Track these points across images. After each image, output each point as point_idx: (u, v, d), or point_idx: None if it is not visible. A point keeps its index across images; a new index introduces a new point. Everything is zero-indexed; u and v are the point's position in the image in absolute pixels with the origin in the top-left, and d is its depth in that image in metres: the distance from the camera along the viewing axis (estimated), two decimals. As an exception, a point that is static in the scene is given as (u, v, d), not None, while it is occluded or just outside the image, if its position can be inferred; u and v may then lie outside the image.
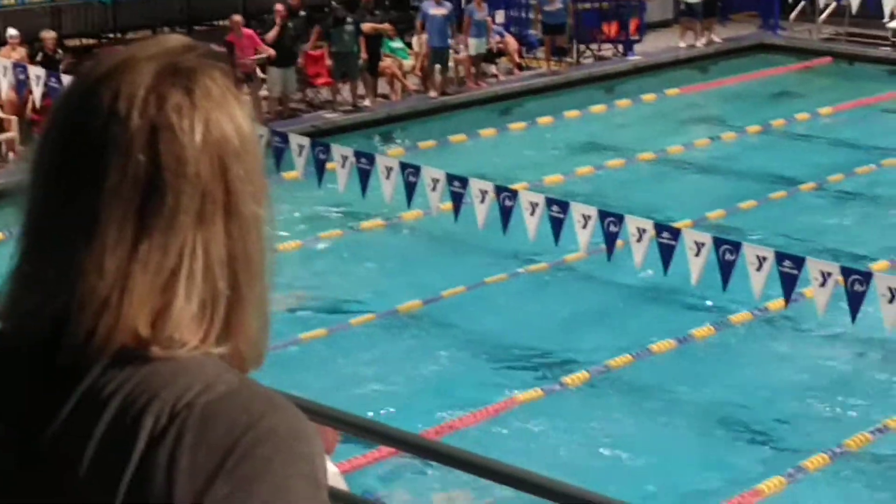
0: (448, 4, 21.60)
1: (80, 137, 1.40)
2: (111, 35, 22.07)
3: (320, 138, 16.18)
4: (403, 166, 13.84)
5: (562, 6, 22.98)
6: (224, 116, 1.41)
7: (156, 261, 1.36)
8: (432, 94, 21.34)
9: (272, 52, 19.82)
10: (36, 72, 15.49)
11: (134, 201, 1.36)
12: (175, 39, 1.48)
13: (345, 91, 20.75)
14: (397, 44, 21.78)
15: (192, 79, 1.41)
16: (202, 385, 1.34)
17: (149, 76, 1.40)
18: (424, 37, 21.64)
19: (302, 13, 20.71)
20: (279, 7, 20.41)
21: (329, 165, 14.36)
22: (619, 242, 12.31)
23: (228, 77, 1.46)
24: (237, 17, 20.11)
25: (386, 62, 21.16)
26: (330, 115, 20.31)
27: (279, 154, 14.74)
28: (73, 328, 1.35)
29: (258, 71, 19.81)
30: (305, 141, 14.62)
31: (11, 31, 18.64)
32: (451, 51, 21.63)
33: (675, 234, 11.97)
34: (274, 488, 1.31)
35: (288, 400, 1.37)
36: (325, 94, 20.96)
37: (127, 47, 1.46)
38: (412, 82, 21.70)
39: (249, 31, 19.86)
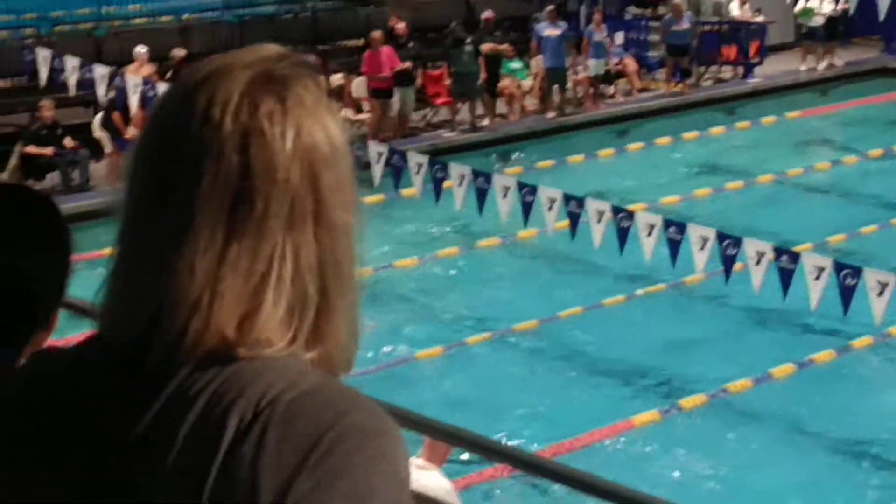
0: (563, 25, 21.64)
1: (175, 142, 1.42)
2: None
3: (438, 157, 16.31)
4: (520, 185, 13.89)
5: (688, 26, 22.88)
6: (316, 125, 1.43)
7: (245, 265, 1.38)
8: (550, 114, 21.38)
9: (409, 64, 20.12)
10: (165, 89, 15.87)
11: (225, 205, 1.38)
12: (270, 48, 1.49)
13: (463, 111, 20.88)
14: (516, 64, 21.87)
15: (286, 86, 1.43)
16: (286, 383, 1.35)
17: (243, 83, 1.42)
18: (540, 57, 21.72)
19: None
20: (399, 25, 20.67)
21: (446, 184, 14.47)
22: (737, 265, 12.22)
23: (321, 87, 1.47)
24: (377, 34, 20.35)
25: (505, 82, 21.26)
26: (448, 135, 20.45)
27: (398, 172, 14.89)
28: (164, 329, 1.38)
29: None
30: (424, 159, 14.75)
31: (139, 49, 19.09)
32: (568, 71, 21.66)
33: (795, 257, 11.86)
34: (355, 484, 1.31)
35: (372, 400, 1.38)
36: (443, 113, 21.12)
37: (223, 55, 1.49)
38: (530, 103, 21.77)
39: (388, 49, 20.10)
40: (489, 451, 4.01)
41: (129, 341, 1.40)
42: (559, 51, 21.27)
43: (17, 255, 2.14)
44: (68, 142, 17.68)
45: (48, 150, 17.58)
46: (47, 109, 17.62)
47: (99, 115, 18.08)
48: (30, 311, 2.17)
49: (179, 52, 19.42)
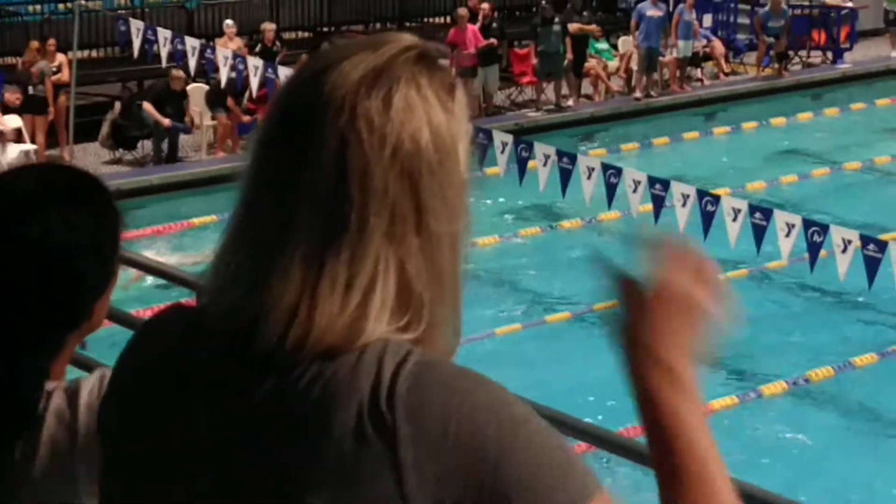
0: (663, 6, 21.53)
1: (284, 136, 1.40)
2: (326, 29, 22.64)
3: (523, 136, 16.34)
4: (605, 167, 13.88)
5: (784, 23, 22.60)
6: (422, 129, 1.37)
7: (344, 276, 1.34)
8: (638, 94, 21.31)
9: (494, 42, 20.15)
10: (254, 62, 16.03)
11: (322, 211, 1.35)
12: (396, 39, 1.43)
13: (549, 90, 20.87)
14: (603, 45, 21.80)
15: (395, 86, 1.37)
16: (394, 368, 1.33)
17: (352, 81, 1.38)
18: (627, 38, 21.66)
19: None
20: (485, 6, 20.69)
21: (531, 164, 14.50)
22: (822, 253, 12.14)
23: (440, 84, 1.41)
24: (463, 11, 20.38)
25: (591, 63, 21.21)
26: (533, 114, 20.46)
27: (483, 151, 14.93)
28: (264, 330, 1.36)
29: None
30: (509, 138, 14.78)
31: (228, 22, 19.32)
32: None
33: (882, 246, 11.75)
34: (521, 463, 1.32)
35: (477, 373, 1.36)
36: (528, 92, 21.13)
37: (349, 43, 1.44)
38: (616, 84, 21.71)
39: (473, 27, 20.14)
40: (570, 428, 4.07)
41: (234, 329, 1.39)
42: (659, 32, 21.18)
43: (54, 225, 2.03)
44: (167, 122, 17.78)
45: (166, 121, 17.69)
46: (177, 80, 17.72)
47: (189, 88, 18.27)
48: (71, 292, 2.06)
49: (269, 26, 19.60)
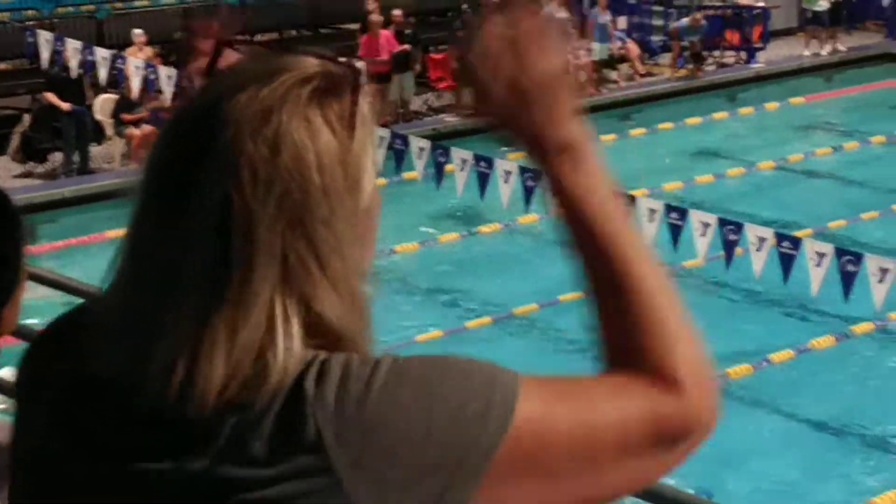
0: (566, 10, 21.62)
1: (169, 171, 1.32)
2: (238, 37, 22.42)
3: (441, 141, 16.31)
4: (522, 170, 13.89)
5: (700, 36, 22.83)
6: (312, 173, 1.29)
7: (229, 331, 1.27)
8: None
9: (409, 48, 20.11)
10: (167, 72, 15.87)
11: (206, 265, 1.28)
12: (296, 69, 1.33)
13: (466, 95, 20.83)
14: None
15: (282, 130, 1.29)
16: (332, 385, 1.28)
17: (236, 125, 1.29)
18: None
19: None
20: (397, 12, 20.65)
21: (448, 168, 14.48)
22: (738, 251, 12.24)
23: (338, 116, 1.32)
24: (376, 18, 20.30)
25: (508, 67, 21.24)
26: (451, 119, 20.44)
27: (399, 156, 14.91)
28: (149, 388, 1.28)
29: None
30: (426, 143, 14.77)
31: (137, 31, 19.10)
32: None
33: (796, 243, 11.88)
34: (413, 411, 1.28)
35: (377, 355, 1.32)
36: (446, 97, 21.10)
37: (243, 69, 1.36)
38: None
39: (387, 32, 20.07)
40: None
41: (123, 371, 1.31)
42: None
43: None
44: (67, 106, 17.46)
45: (66, 105, 17.41)
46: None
47: (100, 98, 18.06)
48: None
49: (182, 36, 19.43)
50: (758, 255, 12.02)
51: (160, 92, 16.18)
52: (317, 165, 1.29)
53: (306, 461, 1.25)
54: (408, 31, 20.63)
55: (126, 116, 17.64)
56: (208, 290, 1.27)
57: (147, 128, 17.83)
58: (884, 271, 11.23)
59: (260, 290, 1.27)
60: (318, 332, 1.30)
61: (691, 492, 3.39)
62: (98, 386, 1.34)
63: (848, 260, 11.43)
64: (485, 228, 15.86)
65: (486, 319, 13.27)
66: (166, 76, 15.70)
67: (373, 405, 1.27)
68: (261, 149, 1.28)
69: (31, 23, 19.07)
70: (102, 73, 16.10)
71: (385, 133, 15.24)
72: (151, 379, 1.28)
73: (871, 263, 11.30)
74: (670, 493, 3.08)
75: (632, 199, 13.11)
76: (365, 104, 1.35)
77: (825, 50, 24.57)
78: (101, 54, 16.09)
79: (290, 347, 1.28)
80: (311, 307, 1.29)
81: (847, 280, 11.35)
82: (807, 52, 24.53)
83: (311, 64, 1.34)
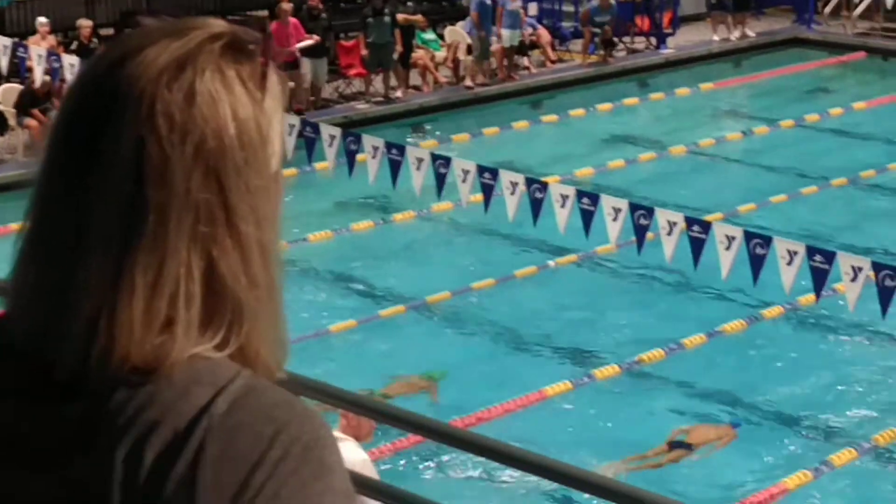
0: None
1: (77, 135, 1.30)
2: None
3: (352, 129, 16.21)
4: (434, 157, 13.85)
5: (611, 17, 22.85)
6: (227, 124, 1.29)
7: (147, 282, 1.26)
8: (469, 83, 21.33)
9: (318, 38, 19.95)
10: (70, 60, 15.59)
11: (119, 217, 1.26)
12: (205, 26, 1.34)
13: (377, 82, 20.77)
14: (429, 35, 21.79)
15: (197, 80, 1.29)
16: (216, 389, 1.27)
17: (151, 73, 1.28)
18: (453, 28, 21.70)
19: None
20: (312, 1, 20.50)
21: (360, 157, 14.39)
22: (649, 235, 12.29)
23: (250, 74, 1.32)
24: (286, 5, 20.11)
25: (418, 53, 21.18)
26: (362, 106, 20.35)
27: (311, 145, 14.78)
28: (65, 352, 1.27)
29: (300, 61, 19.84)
30: (337, 131, 14.65)
31: (41, 19, 18.77)
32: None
33: (706, 227, 11.94)
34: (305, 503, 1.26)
35: (306, 404, 1.31)
36: (357, 85, 20.99)
37: (150, 29, 1.33)
38: (443, 74, 21.70)
39: (295, 20, 19.89)
40: (403, 421, 4.00)
41: (38, 353, 1.29)
42: (493, 19, 21.25)
43: None
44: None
45: None
46: None
47: (1, 88, 17.72)
48: None
49: (85, 23, 19.10)
50: (668, 239, 12.08)
51: (63, 81, 15.90)
52: (232, 115, 1.29)
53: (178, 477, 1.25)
54: (324, 15, 20.46)
55: (35, 112, 17.33)
56: (124, 240, 1.26)
57: (49, 117, 17.53)
58: (792, 254, 11.33)
59: (175, 241, 1.27)
60: (221, 311, 1.29)
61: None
62: (12, 356, 1.32)
63: (757, 243, 11.51)
64: (398, 216, 15.81)
65: (400, 308, 13.23)
66: (69, 64, 15.42)
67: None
68: (176, 96, 1.27)
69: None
70: (4, 63, 15.78)
71: (295, 121, 15.11)
72: (69, 339, 1.26)
73: (780, 247, 11.40)
74: (597, 480, 3.07)
75: (544, 185, 13.12)
76: (273, 70, 1.35)
77: (734, 35, 24.78)
78: (3, 43, 15.77)
79: (193, 309, 1.27)
80: (215, 265, 1.28)
81: (756, 263, 11.43)
82: (716, 38, 24.73)
83: (219, 24, 1.35)
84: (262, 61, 1.33)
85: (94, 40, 18.97)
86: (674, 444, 10.70)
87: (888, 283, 10.75)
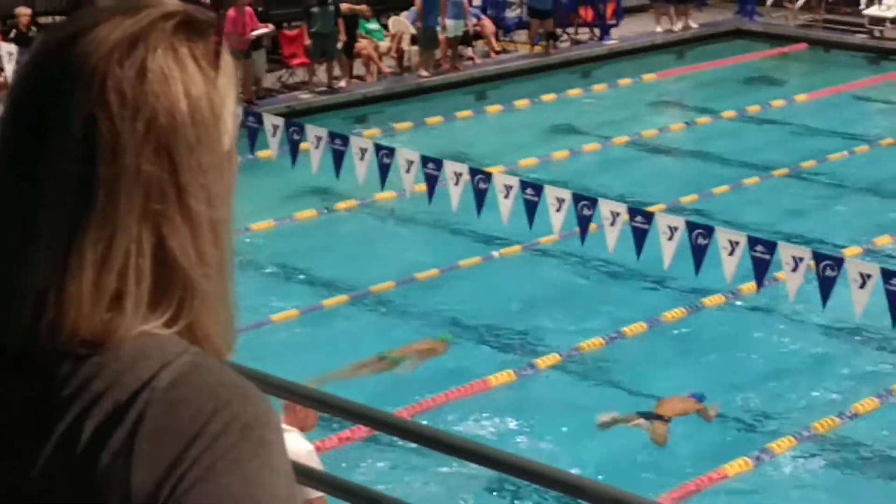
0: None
1: (29, 112, 1.31)
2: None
3: (295, 119, 16.15)
4: (378, 147, 13.83)
5: None
6: (179, 101, 1.29)
7: (97, 258, 1.27)
8: (424, 73, 21.30)
9: (272, 27, 19.85)
10: (8, 48, 15.42)
11: (71, 192, 1.27)
12: (158, 4, 1.34)
13: (320, 72, 20.69)
14: (373, 25, 21.74)
15: (149, 56, 1.29)
16: (162, 364, 1.27)
17: (103, 50, 1.29)
18: (397, 19, 21.66)
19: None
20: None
21: (303, 146, 14.34)
22: (592, 226, 12.34)
23: (202, 53, 1.33)
24: None
25: (362, 43, 21.12)
26: (305, 96, 20.27)
27: (253, 134, 14.71)
28: (12, 324, 1.28)
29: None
30: (280, 121, 14.59)
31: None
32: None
33: (649, 217, 12.01)
34: (238, 480, 1.25)
35: (252, 385, 1.30)
36: (300, 75, 20.90)
37: (103, 7, 1.34)
38: (387, 64, 21.66)
39: (250, 9, 19.75)
40: (351, 413, 3.99)
41: None
42: (437, 10, 21.21)
43: None
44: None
45: None
46: None
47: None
48: None
49: (24, 11, 18.88)
50: (611, 229, 12.13)
51: (1, 70, 15.72)
52: (184, 92, 1.30)
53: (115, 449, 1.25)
54: (259, 9, 20.35)
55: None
56: (75, 214, 1.26)
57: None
58: (734, 244, 11.41)
59: (125, 216, 1.27)
60: (170, 288, 1.29)
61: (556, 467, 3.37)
62: None
63: (699, 234, 11.59)
64: (341, 206, 15.76)
65: (344, 297, 13.20)
66: (7, 53, 15.25)
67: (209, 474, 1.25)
68: (128, 73, 1.28)
69: None
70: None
71: (238, 110, 15.02)
72: (17, 313, 1.27)
73: (722, 237, 11.48)
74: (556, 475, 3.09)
75: (488, 175, 13.13)
76: (227, 51, 1.36)
77: (677, 27, 24.92)
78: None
79: (142, 285, 1.27)
80: (165, 242, 1.29)
81: (698, 253, 11.51)
82: (659, 29, 24.85)
83: (173, 2, 1.35)
84: (215, 40, 1.34)
85: (33, 28, 18.77)
86: (647, 416, 10.85)
87: (829, 273, 10.86)
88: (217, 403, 1.26)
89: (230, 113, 1.35)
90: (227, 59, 1.35)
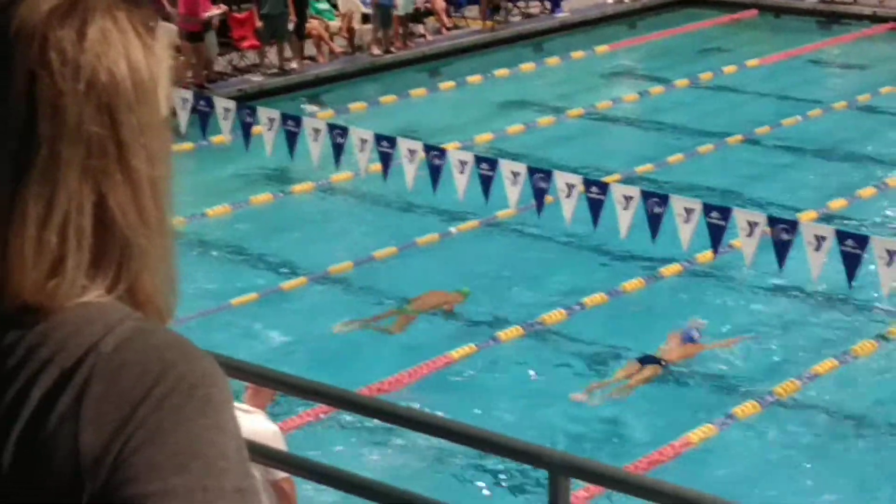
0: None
1: None
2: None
3: (248, 102, 16.07)
4: (331, 128, 13.80)
5: None
6: (119, 62, 1.32)
7: (38, 214, 1.29)
8: (376, 51, 21.23)
9: (225, 7, 19.71)
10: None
11: (12, 150, 1.29)
12: None
13: (271, 54, 20.58)
14: (323, 5, 21.63)
15: (89, 18, 1.32)
16: (106, 329, 1.29)
17: (43, 12, 1.32)
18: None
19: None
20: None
21: (256, 129, 14.27)
22: (548, 198, 12.36)
23: (140, 20, 1.37)
24: None
25: (312, 24, 21.02)
26: (257, 79, 20.15)
27: (205, 119, 14.64)
28: None
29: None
30: (231, 104, 14.53)
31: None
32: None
33: (604, 188, 12.04)
34: (185, 438, 1.26)
35: (197, 346, 1.32)
36: (251, 57, 20.78)
37: None
38: (339, 44, 21.57)
39: None
40: (311, 392, 3.98)
41: None
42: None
43: None
44: None
45: None
46: None
47: None
48: None
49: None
50: (567, 201, 12.16)
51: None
52: (124, 54, 1.33)
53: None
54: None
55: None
56: (17, 172, 1.28)
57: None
58: (689, 212, 11.46)
59: (66, 172, 1.29)
60: (111, 249, 1.31)
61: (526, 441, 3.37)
62: None
63: (655, 202, 11.64)
64: (297, 188, 15.70)
65: (302, 279, 13.16)
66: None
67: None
68: (68, 33, 1.30)
69: None
70: None
71: (188, 95, 14.94)
72: None
73: (677, 205, 11.53)
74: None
75: (442, 152, 13.12)
76: (161, 23, 1.40)
77: (628, -4, 24.95)
78: None
79: (83, 243, 1.29)
80: (105, 199, 1.30)
81: (654, 222, 11.55)
82: (610, 0, 24.86)
83: None
84: (152, 10, 1.38)
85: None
86: (645, 360, 11.08)
87: (784, 237, 10.93)
88: (163, 365, 1.28)
89: (166, 79, 1.38)
90: (161, 33, 1.38)
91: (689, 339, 11.44)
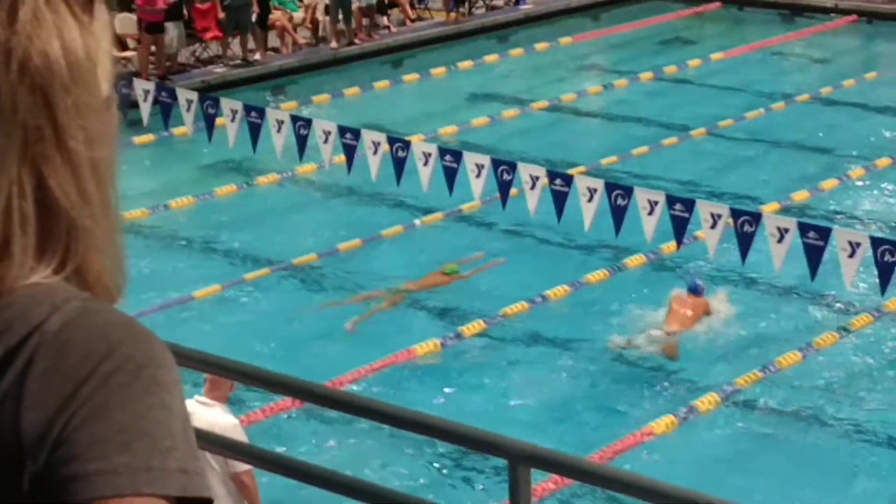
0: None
1: None
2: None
3: (211, 93, 15.98)
4: (295, 119, 13.73)
5: None
6: (52, 42, 1.29)
7: None
8: (334, 44, 21.16)
9: None
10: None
11: None
12: None
13: (234, 45, 20.48)
14: (287, -4, 21.55)
15: (21, 0, 1.30)
16: (52, 308, 1.28)
17: None
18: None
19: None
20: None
21: (219, 121, 14.19)
22: (513, 191, 12.35)
23: (76, 1, 1.34)
24: None
25: (276, 15, 20.94)
26: (220, 70, 20.05)
27: (167, 110, 14.55)
28: None
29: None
30: (193, 95, 14.44)
31: None
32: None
33: (568, 180, 12.04)
34: (130, 416, 1.25)
35: (144, 326, 1.31)
36: (214, 48, 20.68)
37: None
38: (302, 35, 21.50)
39: None
40: (273, 384, 3.95)
41: None
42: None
43: None
44: None
45: None
46: None
47: None
48: None
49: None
50: (532, 193, 12.16)
51: None
52: (57, 34, 1.30)
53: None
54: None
55: None
56: None
57: None
58: (653, 204, 11.47)
59: (4, 158, 1.27)
60: (56, 230, 1.30)
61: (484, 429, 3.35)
62: None
63: (618, 194, 11.64)
64: (261, 180, 15.64)
65: (266, 271, 13.11)
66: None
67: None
68: None
69: None
70: None
71: (150, 86, 14.86)
72: None
73: (641, 197, 11.53)
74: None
75: (406, 144, 13.08)
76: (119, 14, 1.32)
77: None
78: None
79: (27, 227, 1.28)
80: (45, 182, 1.29)
81: (618, 214, 11.56)
82: (574, -7, 24.87)
83: None
84: None
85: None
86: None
87: (747, 228, 10.95)
88: (109, 344, 1.27)
89: (107, 58, 1.36)
90: (100, 11, 1.36)
91: (694, 290, 12.00)
